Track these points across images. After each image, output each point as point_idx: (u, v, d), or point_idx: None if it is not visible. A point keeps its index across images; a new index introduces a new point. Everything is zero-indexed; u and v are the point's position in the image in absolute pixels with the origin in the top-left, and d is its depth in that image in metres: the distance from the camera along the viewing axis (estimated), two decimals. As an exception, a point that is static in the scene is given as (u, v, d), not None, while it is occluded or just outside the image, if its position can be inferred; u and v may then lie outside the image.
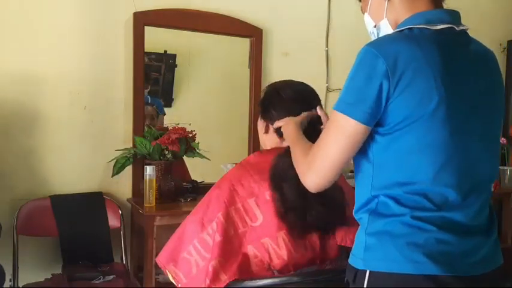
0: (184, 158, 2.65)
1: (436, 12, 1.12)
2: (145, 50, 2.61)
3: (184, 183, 2.63)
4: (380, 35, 1.19)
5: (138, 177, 2.58)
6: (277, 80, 1.59)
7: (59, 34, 2.45)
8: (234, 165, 1.93)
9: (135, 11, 2.56)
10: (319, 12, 3.07)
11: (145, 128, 2.63)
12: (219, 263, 1.33)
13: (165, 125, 2.78)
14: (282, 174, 1.36)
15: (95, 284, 2.18)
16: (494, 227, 1.14)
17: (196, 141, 2.57)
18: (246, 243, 1.36)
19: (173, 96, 2.92)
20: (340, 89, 1.09)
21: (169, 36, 2.78)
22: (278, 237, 1.35)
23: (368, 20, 1.23)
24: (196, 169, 2.78)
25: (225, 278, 1.32)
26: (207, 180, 2.69)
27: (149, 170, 2.33)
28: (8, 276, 2.16)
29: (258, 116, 1.57)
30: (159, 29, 2.65)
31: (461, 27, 1.11)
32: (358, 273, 1.07)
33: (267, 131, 1.53)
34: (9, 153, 2.39)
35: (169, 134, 2.45)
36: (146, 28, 2.58)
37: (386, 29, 1.17)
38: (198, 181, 2.70)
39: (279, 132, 1.47)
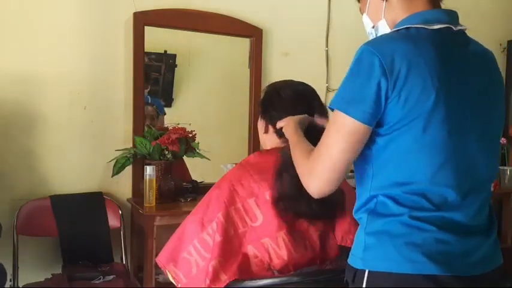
0: (184, 158, 2.65)
1: (434, 12, 1.12)
2: (145, 50, 2.61)
3: (184, 183, 2.63)
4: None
5: (138, 177, 2.58)
6: (277, 80, 1.59)
7: (59, 34, 2.45)
8: (234, 165, 1.93)
9: (135, 11, 2.56)
10: (319, 12, 3.07)
11: (145, 128, 2.63)
12: (219, 263, 1.33)
13: (165, 125, 2.78)
14: (287, 163, 1.33)
15: (95, 284, 2.18)
16: (494, 226, 1.14)
17: (196, 141, 2.57)
18: (246, 243, 1.36)
19: (173, 96, 2.92)
20: (340, 89, 1.09)
21: (169, 36, 2.78)
22: (278, 237, 1.35)
23: (366, 21, 1.23)
24: (196, 169, 2.78)
25: (225, 278, 1.32)
26: (207, 180, 2.69)
27: (149, 170, 2.33)
28: (8, 276, 2.16)
29: (258, 116, 1.57)
30: (159, 29, 2.65)
31: (458, 27, 1.11)
32: (357, 273, 1.07)
33: (267, 131, 1.53)
34: (9, 153, 2.39)
35: (169, 134, 2.45)
36: (146, 28, 2.59)
37: (385, 29, 1.17)
38: (198, 181, 2.70)
39: (279, 132, 1.47)
